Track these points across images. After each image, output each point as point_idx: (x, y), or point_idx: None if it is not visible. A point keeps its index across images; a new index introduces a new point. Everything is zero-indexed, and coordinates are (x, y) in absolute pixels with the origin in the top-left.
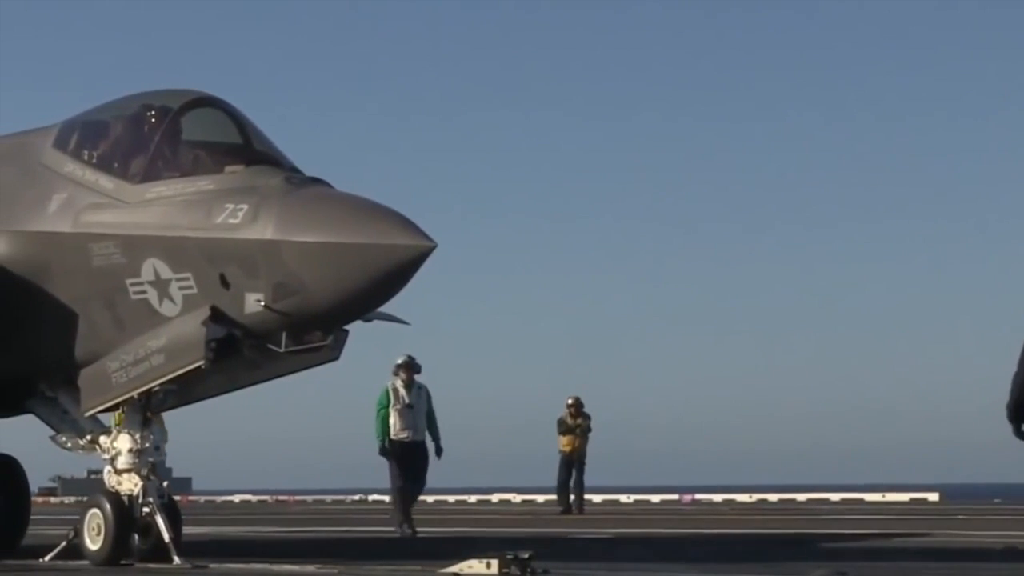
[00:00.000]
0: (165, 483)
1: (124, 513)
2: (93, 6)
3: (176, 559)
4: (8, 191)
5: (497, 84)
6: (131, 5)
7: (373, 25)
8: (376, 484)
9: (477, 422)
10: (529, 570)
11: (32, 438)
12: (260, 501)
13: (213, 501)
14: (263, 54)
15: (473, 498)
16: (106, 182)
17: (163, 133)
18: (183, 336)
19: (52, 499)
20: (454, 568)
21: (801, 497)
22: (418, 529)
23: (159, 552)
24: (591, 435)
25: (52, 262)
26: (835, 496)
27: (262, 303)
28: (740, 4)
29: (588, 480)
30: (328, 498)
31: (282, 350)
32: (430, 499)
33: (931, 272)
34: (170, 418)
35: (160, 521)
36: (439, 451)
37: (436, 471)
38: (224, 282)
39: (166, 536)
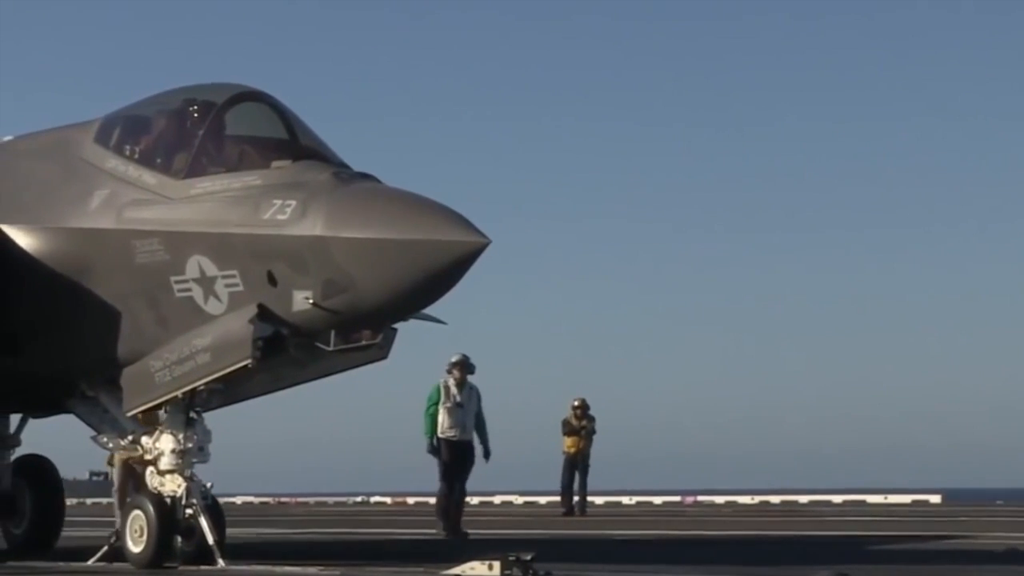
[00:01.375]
0: (209, 484)
1: (167, 515)
2: (102, 5)
3: (220, 561)
4: (48, 187)
5: (496, 86)
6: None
7: (384, 25)
8: (379, 487)
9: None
10: (531, 572)
11: (33, 440)
12: (262, 503)
13: None
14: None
15: (475, 499)
16: (149, 178)
17: (207, 128)
18: (230, 334)
19: None
20: (456, 570)
21: (803, 499)
22: (424, 531)
23: (203, 554)
24: (595, 437)
25: (94, 259)
26: (837, 498)
27: (311, 301)
28: (746, 8)
29: (591, 482)
30: (330, 500)
31: (331, 348)
32: (432, 500)
33: (933, 275)
34: None
35: (204, 523)
36: (487, 453)
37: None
38: (272, 279)
39: (210, 538)
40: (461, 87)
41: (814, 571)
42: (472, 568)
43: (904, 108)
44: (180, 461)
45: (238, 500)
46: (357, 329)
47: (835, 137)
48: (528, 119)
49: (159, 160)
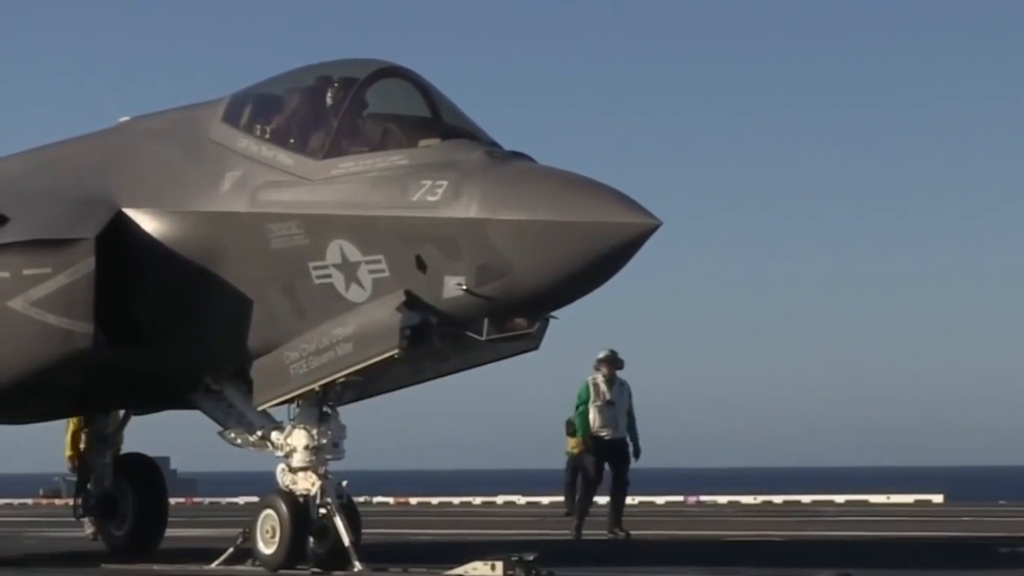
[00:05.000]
0: (344, 482)
1: (300, 514)
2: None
3: (357, 564)
4: (174, 169)
5: (495, 82)
6: None
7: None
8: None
9: (485, 424)
10: (533, 572)
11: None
12: None
13: (218, 503)
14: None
15: (478, 500)
16: (285, 158)
17: (348, 106)
18: (374, 323)
19: (57, 501)
20: (458, 570)
21: (806, 499)
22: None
23: (337, 556)
24: None
25: (226, 244)
26: (840, 498)
27: (463, 287)
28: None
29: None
30: None
31: (483, 338)
32: (435, 501)
33: (934, 266)
34: (173, 421)
35: (339, 523)
36: (637, 452)
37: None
38: (420, 265)
39: (346, 539)
40: (463, 83)
41: (818, 572)
42: (475, 568)
43: (899, 105)
44: (314, 458)
45: (241, 500)
46: (510, 317)
47: (838, 132)
48: (528, 115)
49: (294, 140)
